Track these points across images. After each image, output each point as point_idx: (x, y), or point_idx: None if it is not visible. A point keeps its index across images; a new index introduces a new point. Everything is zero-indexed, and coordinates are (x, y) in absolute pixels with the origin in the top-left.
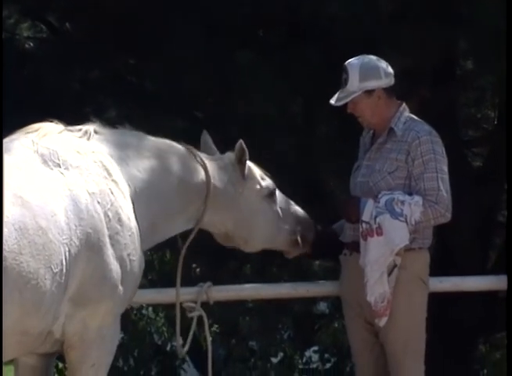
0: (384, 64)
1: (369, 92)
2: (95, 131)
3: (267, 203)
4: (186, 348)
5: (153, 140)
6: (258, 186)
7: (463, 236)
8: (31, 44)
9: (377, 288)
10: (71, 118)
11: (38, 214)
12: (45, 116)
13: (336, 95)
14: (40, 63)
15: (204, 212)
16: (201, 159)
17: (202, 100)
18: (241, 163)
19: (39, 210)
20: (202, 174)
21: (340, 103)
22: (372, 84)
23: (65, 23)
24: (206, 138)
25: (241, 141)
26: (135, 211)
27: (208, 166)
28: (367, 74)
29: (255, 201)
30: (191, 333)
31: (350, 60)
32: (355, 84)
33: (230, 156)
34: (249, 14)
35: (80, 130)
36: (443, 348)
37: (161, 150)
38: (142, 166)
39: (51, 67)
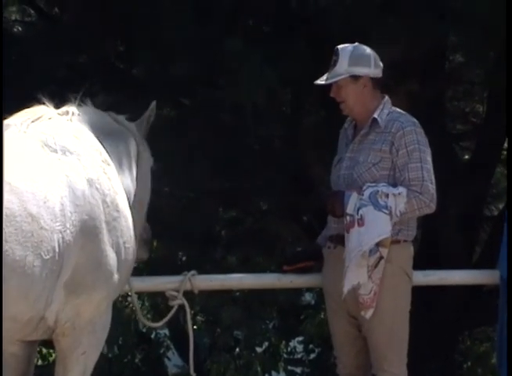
0: (375, 55)
1: (355, 78)
2: (77, 113)
3: (150, 174)
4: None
5: (105, 118)
6: (149, 153)
7: (449, 229)
8: (19, 28)
9: (352, 279)
10: (58, 103)
11: (28, 200)
12: (32, 100)
13: (323, 77)
14: (28, 48)
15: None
16: (129, 128)
17: (190, 87)
18: (148, 122)
19: (30, 196)
20: (134, 142)
21: (324, 83)
22: (360, 70)
23: (54, 8)
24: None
25: (155, 102)
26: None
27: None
28: (357, 60)
29: (148, 165)
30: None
31: (343, 45)
32: (343, 66)
33: (122, 118)
34: (237, 2)
35: (67, 112)
36: (426, 340)
37: (116, 126)
38: (117, 149)
39: (39, 52)
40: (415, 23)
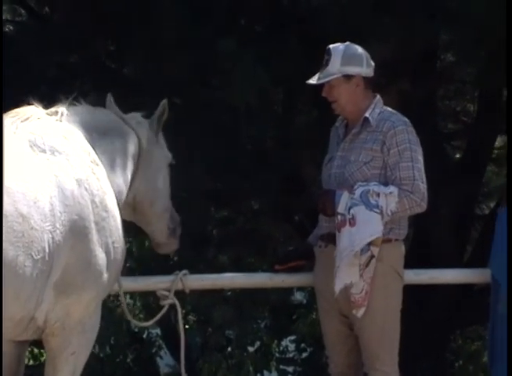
0: (367, 55)
1: (348, 78)
2: (66, 114)
3: (167, 171)
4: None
5: (108, 115)
6: (166, 150)
7: (440, 228)
8: (10, 27)
9: (344, 278)
10: (49, 103)
11: (19, 200)
12: (23, 100)
13: (315, 76)
14: (19, 47)
15: (135, 176)
16: (132, 125)
17: (183, 87)
18: (160, 120)
19: (20, 196)
20: (135, 140)
21: (317, 82)
22: (352, 69)
23: (44, 7)
24: (110, 100)
25: (166, 100)
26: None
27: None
28: (350, 59)
29: (162, 163)
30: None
31: (335, 44)
32: (335, 66)
33: (137, 115)
34: (231, 3)
35: (57, 113)
36: (418, 339)
37: (116, 124)
38: (112, 148)
39: (29, 51)
40: (410, 22)
